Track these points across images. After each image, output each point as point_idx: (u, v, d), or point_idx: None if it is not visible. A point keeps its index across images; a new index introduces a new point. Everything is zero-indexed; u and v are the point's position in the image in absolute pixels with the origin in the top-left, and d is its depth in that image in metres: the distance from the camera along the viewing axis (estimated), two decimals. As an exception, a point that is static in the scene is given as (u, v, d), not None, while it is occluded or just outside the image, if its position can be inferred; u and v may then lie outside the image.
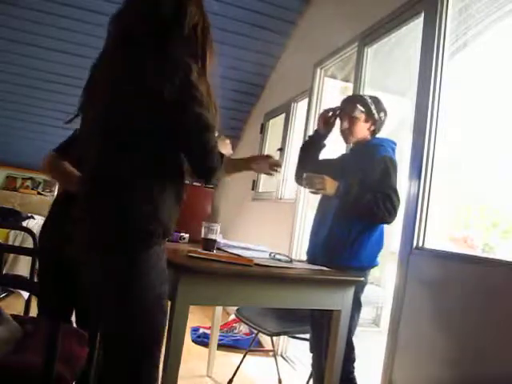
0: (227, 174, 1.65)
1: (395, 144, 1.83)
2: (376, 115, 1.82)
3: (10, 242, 3.72)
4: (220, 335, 2.86)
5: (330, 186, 1.70)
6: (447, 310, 1.62)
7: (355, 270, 1.69)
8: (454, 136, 2.40)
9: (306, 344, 1.95)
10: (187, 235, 1.98)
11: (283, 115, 3.80)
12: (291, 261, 1.74)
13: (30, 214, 4.35)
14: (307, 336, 1.98)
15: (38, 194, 5.09)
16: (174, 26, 1.09)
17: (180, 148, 1.09)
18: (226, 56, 3.87)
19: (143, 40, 1.06)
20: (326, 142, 2.02)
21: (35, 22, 3.45)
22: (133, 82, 1.04)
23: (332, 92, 3.16)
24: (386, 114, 1.86)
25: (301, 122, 3.38)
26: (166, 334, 1.25)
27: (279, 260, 1.70)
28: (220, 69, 4.07)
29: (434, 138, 1.85)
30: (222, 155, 1.13)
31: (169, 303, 1.26)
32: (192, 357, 2.77)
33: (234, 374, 2.40)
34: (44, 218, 4.46)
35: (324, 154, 2.05)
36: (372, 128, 1.84)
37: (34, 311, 1.84)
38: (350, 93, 2.62)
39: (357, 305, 1.68)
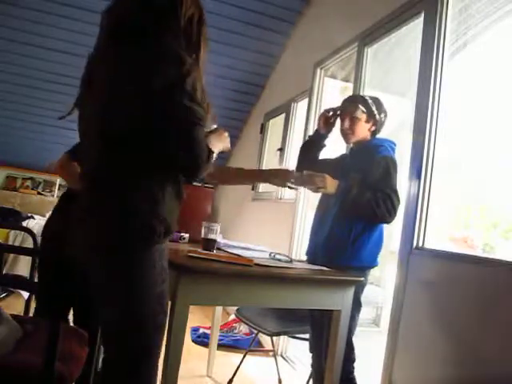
0: (246, 183, 1.67)
1: (395, 144, 1.83)
2: (377, 116, 1.82)
3: (10, 242, 3.72)
4: (220, 335, 2.86)
5: (331, 184, 1.71)
6: (447, 310, 1.62)
7: (355, 270, 1.69)
8: (454, 136, 2.40)
9: (306, 344, 1.95)
10: (187, 235, 1.98)
11: (283, 115, 3.80)
12: (291, 261, 1.74)
13: (30, 214, 4.35)
14: (307, 336, 1.98)
15: (38, 193, 5.09)
16: (170, 18, 1.09)
17: (164, 138, 1.04)
18: (226, 56, 3.88)
19: (136, 32, 1.05)
20: (326, 142, 2.02)
21: (35, 22, 3.45)
22: (128, 80, 1.04)
23: (332, 92, 3.16)
24: (386, 115, 1.86)
25: (301, 122, 3.38)
26: (165, 333, 1.26)
27: (279, 260, 1.70)
28: (220, 69, 4.10)
29: (434, 138, 1.85)
30: (210, 151, 1.09)
31: (169, 303, 1.26)
32: (192, 357, 2.77)
33: (234, 374, 2.40)
34: (44, 218, 4.46)
35: (324, 154, 2.05)
36: (373, 128, 1.84)
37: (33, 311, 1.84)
38: (350, 93, 2.62)
39: (357, 305, 1.68)
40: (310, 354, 1.89)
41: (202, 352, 2.87)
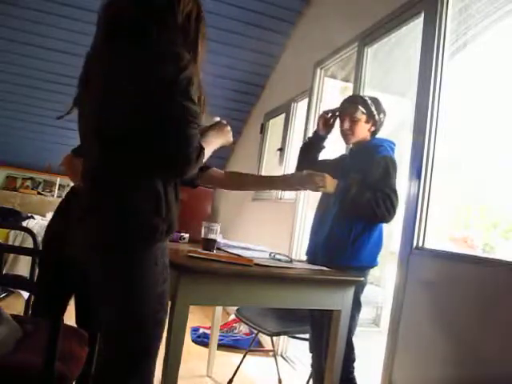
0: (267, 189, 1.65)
1: (394, 144, 1.83)
2: (376, 116, 1.82)
3: (10, 242, 3.72)
4: (220, 335, 2.86)
5: (330, 183, 1.71)
6: (447, 310, 1.62)
7: (355, 270, 1.69)
8: (454, 136, 2.40)
9: (306, 344, 1.95)
10: (187, 235, 1.98)
11: (283, 115, 3.80)
12: (291, 261, 1.74)
13: (30, 214, 4.35)
14: (307, 336, 1.98)
15: (38, 193, 5.09)
16: (167, 14, 1.08)
17: (156, 136, 1.02)
18: (225, 56, 3.88)
19: (133, 29, 1.05)
20: (325, 143, 2.02)
21: (35, 22, 3.45)
22: (122, 78, 1.04)
23: (332, 92, 3.16)
24: (385, 115, 1.87)
25: (301, 122, 3.38)
26: (165, 333, 1.26)
27: (279, 260, 1.70)
28: (220, 68, 4.09)
29: (434, 138, 1.85)
30: (202, 149, 1.07)
31: (169, 303, 1.26)
32: (192, 357, 2.77)
33: (234, 374, 2.41)
34: (44, 218, 4.46)
35: (323, 155, 2.06)
36: (372, 129, 1.84)
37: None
38: (350, 93, 2.62)
39: (357, 305, 1.68)
40: (310, 354, 1.89)
41: (202, 352, 2.87)
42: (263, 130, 4.22)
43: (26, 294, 2.48)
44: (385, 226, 1.80)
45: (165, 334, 1.26)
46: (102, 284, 1.08)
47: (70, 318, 1.74)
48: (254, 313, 2.30)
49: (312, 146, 2.02)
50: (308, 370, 2.10)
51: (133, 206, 1.04)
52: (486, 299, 1.47)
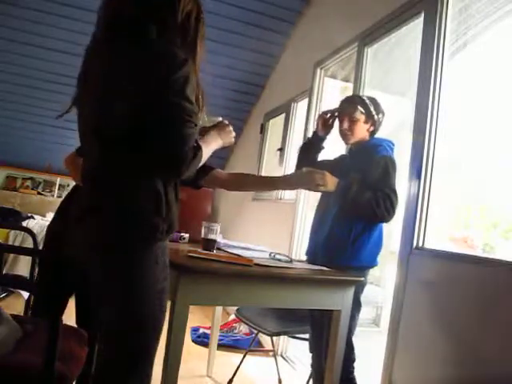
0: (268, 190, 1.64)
1: (393, 144, 1.83)
2: (375, 116, 1.83)
3: (10, 242, 3.73)
4: (220, 335, 2.86)
5: (331, 182, 1.70)
6: (447, 310, 1.62)
7: (355, 270, 1.69)
8: (454, 136, 2.40)
9: (306, 344, 1.96)
10: (187, 235, 1.98)
11: (283, 115, 3.80)
12: (291, 261, 1.74)
13: (30, 214, 4.35)
14: (307, 336, 1.98)
15: (38, 194, 5.09)
16: (167, 13, 1.08)
17: (153, 136, 1.01)
18: (225, 56, 3.88)
19: (132, 27, 1.05)
20: (324, 144, 2.02)
21: (35, 22, 3.45)
22: (120, 77, 1.03)
23: (332, 92, 3.16)
24: (383, 115, 1.87)
25: (301, 122, 3.38)
26: (165, 333, 1.26)
27: (279, 260, 1.70)
28: (220, 68, 4.09)
29: (434, 138, 1.85)
30: (198, 149, 1.07)
31: (169, 303, 1.26)
32: (192, 357, 2.77)
33: (234, 374, 2.41)
34: (44, 218, 4.46)
35: (323, 156, 2.05)
36: (371, 129, 1.85)
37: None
38: (350, 93, 2.62)
39: (357, 305, 1.68)
40: (310, 354, 1.89)
41: (202, 352, 2.87)
42: (263, 129, 4.22)
43: (26, 294, 2.48)
44: (385, 225, 1.80)
45: (165, 334, 1.26)
46: (102, 284, 1.07)
47: (70, 318, 1.75)
48: (254, 313, 2.30)
49: (311, 146, 2.02)
50: (308, 370, 2.10)
51: (133, 206, 1.04)
52: (486, 299, 1.47)
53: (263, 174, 4.02)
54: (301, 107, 3.56)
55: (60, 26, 3.49)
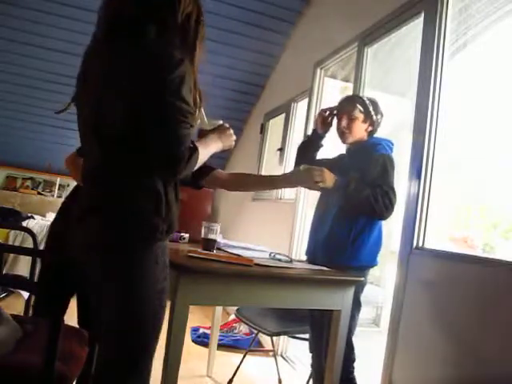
0: (269, 189, 1.65)
1: (392, 143, 1.83)
2: (374, 116, 1.83)
3: (10, 242, 3.72)
4: (220, 335, 2.86)
5: (329, 178, 1.70)
6: (447, 310, 1.62)
7: (355, 270, 1.69)
8: (454, 136, 2.40)
9: (306, 344, 1.96)
10: (187, 235, 1.98)
11: (283, 115, 3.80)
12: (291, 261, 1.74)
13: (30, 214, 4.35)
14: (307, 336, 1.98)
15: (38, 194, 5.09)
16: (167, 13, 1.08)
17: (149, 136, 1.01)
18: (225, 56, 3.88)
19: (132, 27, 1.05)
20: (323, 142, 2.02)
21: (35, 22, 3.45)
22: (119, 77, 1.03)
23: (332, 92, 3.16)
24: (382, 117, 1.88)
25: (301, 122, 3.38)
26: (165, 333, 1.26)
27: (279, 260, 1.70)
28: (220, 69, 4.09)
29: (434, 138, 1.85)
30: (195, 149, 1.07)
31: (169, 303, 1.26)
32: (192, 357, 2.77)
33: (234, 374, 2.41)
34: (44, 218, 4.45)
35: (321, 154, 2.06)
36: (369, 129, 1.85)
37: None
38: (350, 93, 2.62)
39: (357, 305, 1.68)
40: (310, 354, 1.89)
41: (201, 352, 2.87)
42: (263, 129, 4.22)
43: (26, 294, 2.48)
44: (385, 225, 1.80)
45: (165, 334, 1.26)
46: (102, 284, 1.07)
47: (71, 318, 1.75)
48: (254, 313, 2.30)
49: (310, 144, 2.02)
50: (308, 370, 2.10)
51: (133, 206, 1.04)
52: (486, 299, 1.47)
53: (263, 173, 4.02)
54: (301, 107, 3.56)
55: (60, 26, 3.49)
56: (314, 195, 2.04)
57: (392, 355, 1.83)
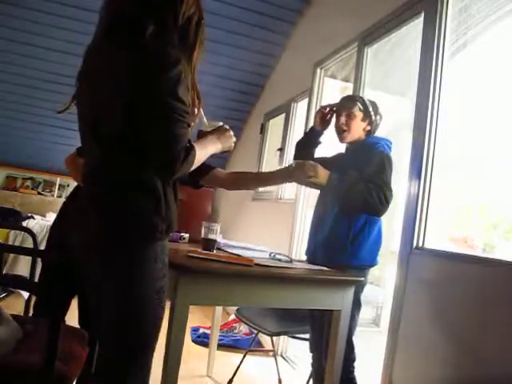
0: (265, 186, 1.66)
1: (391, 143, 1.83)
2: (373, 117, 1.83)
3: (10, 242, 3.72)
4: (220, 335, 2.86)
5: (322, 174, 1.70)
6: (447, 310, 1.62)
7: (355, 269, 1.69)
8: (454, 136, 2.40)
9: (306, 344, 1.96)
10: (187, 235, 1.98)
11: (283, 115, 3.80)
12: (291, 261, 1.74)
13: (30, 214, 4.35)
14: (307, 336, 1.98)
15: (38, 194, 5.09)
16: (168, 14, 1.08)
17: (146, 136, 1.02)
18: (226, 56, 3.88)
19: (133, 28, 1.05)
20: (321, 139, 2.02)
21: (35, 22, 3.45)
22: (123, 78, 1.03)
23: (332, 92, 3.16)
24: (381, 118, 1.88)
25: (301, 122, 3.38)
26: (165, 333, 1.26)
27: (279, 260, 1.70)
28: (220, 69, 4.09)
29: (434, 138, 1.85)
30: (192, 148, 1.06)
31: (169, 303, 1.26)
32: (192, 357, 2.77)
33: (234, 374, 2.41)
34: (44, 218, 4.45)
35: (320, 153, 2.06)
36: (368, 128, 1.85)
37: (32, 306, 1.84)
38: (350, 93, 2.63)
39: (357, 304, 1.68)
40: (310, 354, 1.89)
41: (202, 352, 2.87)
42: (263, 130, 4.22)
43: (26, 294, 2.48)
44: (385, 225, 1.80)
45: (165, 334, 1.26)
46: (102, 284, 1.08)
47: (71, 318, 1.75)
48: (254, 313, 2.30)
49: (308, 141, 2.02)
50: (308, 369, 2.10)
51: (133, 206, 1.04)
52: (486, 299, 1.47)
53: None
54: (301, 107, 3.56)
55: (60, 26, 3.49)
56: (314, 195, 2.04)
57: (392, 355, 1.83)
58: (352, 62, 2.82)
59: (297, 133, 3.54)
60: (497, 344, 1.40)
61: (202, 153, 1.16)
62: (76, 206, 1.15)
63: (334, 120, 1.91)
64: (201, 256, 1.44)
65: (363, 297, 1.76)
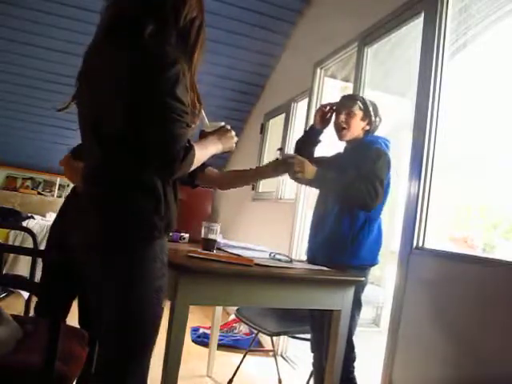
0: (253, 182, 1.67)
1: (389, 142, 1.83)
2: (372, 117, 1.83)
3: (10, 242, 3.73)
4: (220, 335, 2.86)
5: (309, 170, 1.70)
6: (447, 310, 1.62)
7: (356, 269, 1.69)
8: (454, 136, 2.40)
9: (306, 344, 1.96)
10: (187, 235, 1.98)
11: (283, 115, 3.80)
12: (291, 261, 1.74)
13: (30, 214, 4.35)
14: (307, 336, 1.98)
15: (38, 194, 5.09)
16: (169, 13, 1.08)
17: (144, 136, 1.02)
18: (226, 56, 3.88)
19: (133, 28, 1.05)
20: (321, 138, 2.02)
21: (35, 22, 3.45)
22: (123, 79, 1.03)
23: (332, 92, 3.16)
24: (380, 120, 1.88)
25: (301, 122, 3.38)
26: (165, 333, 1.26)
27: (279, 260, 1.70)
28: (220, 69, 4.09)
29: (434, 138, 1.85)
30: (191, 148, 1.06)
31: (169, 303, 1.26)
32: (192, 357, 2.77)
33: (234, 374, 2.41)
34: (44, 218, 4.45)
35: (320, 151, 2.06)
36: (367, 128, 1.85)
37: (33, 308, 1.84)
38: (350, 92, 2.63)
39: (357, 304, 1.68)
40: (311, 354, 1.89)
41: (202, 352, 2.87)
42: (263, 130, 4.22)
43: (26, 294, 2.48)
44: (385, 225, 1.80)
45: (165, 334, 1.26)
46: (102, 284, 1.08)
47: (72, 318, 1.75)
48: (254, 313, 2.30)
49: (308, 139, 2.02)
50: (308, 369, 2.10)
51: (133, 206, 1.04)
52: (486, 299, 1.47)
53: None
54: (301, 107, 3.56)
55: (60, 25, 3.49)
56: (314, 195, 2.04)
57: (392, 355, 1.83)
58: (352, 61, 2.82)
59: (297, 133, 3.54)
60: (497, 344, 1.40)
61: (202, 153, 1.16)
62: (76, 206, 1.15)
63: (333, 118, 1.91)
64: (201, 256, 1.44)
65: (363, 297, 1.76)
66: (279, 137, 3.78)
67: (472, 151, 2.90)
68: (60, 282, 1.63)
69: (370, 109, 1.83)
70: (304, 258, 2.00)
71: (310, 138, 2.01)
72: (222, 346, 2.94)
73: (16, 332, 1.27)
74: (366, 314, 4.02)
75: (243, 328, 3.27)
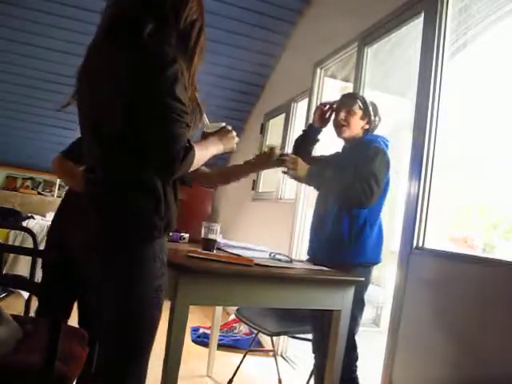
0: (237, 179, 1.68)
1: (388, 141, 1.84)
2: (372, 116, 1.84)
3: (10, 242, 3.72)
4: (220, 335, 2.86)
5: (301, 167, 1.71)
6: (447, 310, 1.62)
7: (359, 268, 1.69)
8: (454, 136, 2.40)
9: (306, 344, 1.96)
10: (187, 235, 1.98)
11: (283, 115, 3.80)
12: (291, 261, 1.74)
13: (30, 214, 4.35)
14: (307, 336, 1.98)
15: (38, 194, 5.09)
16: (169, 13, 1.08)
17: (144, 135, 1.02)
18: (226, 56, 3.88)
19: (133, 28, 1.05)
20: (319, 136, 2.02)
21: (35, 22, 3.45)
22: (123, 79, 1.03)
23: (332, 92, 3.16)
24: (380, 120, 1.89)
25: (301, 122, 3.39)
26: (165, 333, 1.26)
27: (279, 260, 1.70)
28: (220, 69, 4.09)
29: (434, 138, 1.85)
30: (190, 148, 1.06)
31: (169, 303, 1.26)
32: (192, 357, 2.77)
33: (234, 374, 2.41)
34: (44, 218, 4.45)
35: (319, 151, 2.06)
36: (366, 127, 1.85)
37: (34, 311, 1.84)
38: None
39: (360, 304, 1.68)
40: (311, 354, 1.89)
41: (202, 352, 2.87)
42: (263, 130, 4.22)
43: (26, 294, 2.48)
44: (385, 225, 1.80)
45: (165, 334, 1.26)
46: (102, 284, 1.08)
47: (72, 318, 1.75)
48: (254, 313, 2.30)
49: (307, 138, 2.02)
50: (308, 369, 2.10)
51: (133, 206, 1.04)
52: (486, 299, 1.47)
53: (262, 173, 4.02)
54: (301, 107, 3.56)
55: (60, 25, 3.49)
56: (314, 195, 2.04)
57: (392, 355, 1.83)
58: (352, 62, 2.82)
59: (297, 133, 3.52)
60: (497, 344, 1.40)
61: (203, 153, 1.15)
62: (76, 206, 1.15)
63: (333, 117, 1.91)
64: (201, 256, 1.44)
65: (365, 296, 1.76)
66: (279, 137, 3.78)
67: (472, 151, 2.90)
68: (60, 282, 1.63)
69: (370, 108, 1.83)
70: (304, 258, 1.99)
71: (308, 137, 2.01)
72: (222, 346, 2.94)
73: (16, 332, 1.27)
74: (366, 313, 4.00)
75: (243, 328, 3.27)
